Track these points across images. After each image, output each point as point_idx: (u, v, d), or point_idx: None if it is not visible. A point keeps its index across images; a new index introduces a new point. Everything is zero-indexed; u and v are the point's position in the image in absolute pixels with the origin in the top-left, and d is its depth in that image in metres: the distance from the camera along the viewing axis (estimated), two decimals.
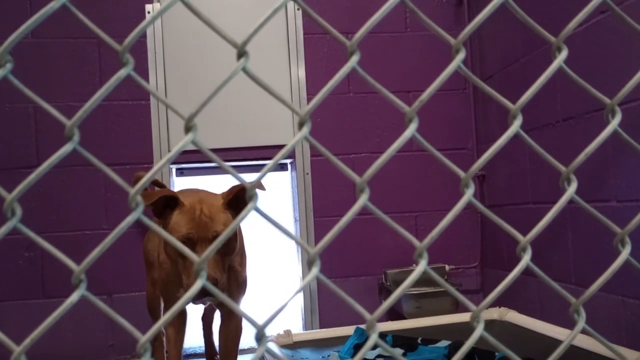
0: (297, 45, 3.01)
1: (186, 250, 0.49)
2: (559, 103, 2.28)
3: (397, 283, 2.86)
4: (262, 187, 1.68)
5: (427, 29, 0.52)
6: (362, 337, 2.16)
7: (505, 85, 2.76)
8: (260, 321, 0.50)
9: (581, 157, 0.51)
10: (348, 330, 2.25)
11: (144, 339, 0.43)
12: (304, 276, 2.92)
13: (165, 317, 0.47)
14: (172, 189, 2.91)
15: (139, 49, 2.87)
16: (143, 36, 2.93)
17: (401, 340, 2.14)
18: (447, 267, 2.97)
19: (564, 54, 0.53)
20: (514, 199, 2.71)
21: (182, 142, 0.46)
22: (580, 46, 2.09)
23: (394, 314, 2.78)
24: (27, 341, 0.43)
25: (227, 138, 2.92)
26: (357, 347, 2.09)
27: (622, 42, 1.92)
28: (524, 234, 0.58)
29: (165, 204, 1.67)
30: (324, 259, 2.84)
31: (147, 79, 2.88)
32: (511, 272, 0.58)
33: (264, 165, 2.99)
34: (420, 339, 2.15)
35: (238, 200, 1.67)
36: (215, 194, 1.77)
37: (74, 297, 0.44)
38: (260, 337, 0.48)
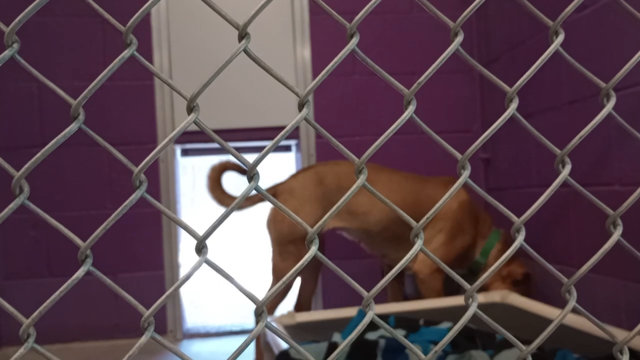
0: (303, 25, 2.99)
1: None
2: (565, 86, 2.27)
3: None
4: None
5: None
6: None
7: (512, 68, 2.75)
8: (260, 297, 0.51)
9: (575, 140, 0.51)
10: (351, 311, 2.27)
11: (147, 313, 0.45)
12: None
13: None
14: (176, 169, 2.93)
15: (144, 28, 2.87)
16: (148, 15, 2.92)
17: (403, 322, 2.16)
18: None
19: (560, 38, 0.54)
20: (518, 183, 2.72)
21: (184, 122, 0.47)
22: (588, 28, 2.08)
23: None
24: (36, 314, 0.45)
25: (231, 119, 2.93)
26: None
27: (632, 23, 1.91)
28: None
29: None
30: (328, 239, 2.86)
31: (151, 58, 2.88)
32: (510, 252, 0.59)
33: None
34: (422, 320, 2.17)
35: None
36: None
37: (80, 272, 0.45)
38: (259, 312, 0.50)
